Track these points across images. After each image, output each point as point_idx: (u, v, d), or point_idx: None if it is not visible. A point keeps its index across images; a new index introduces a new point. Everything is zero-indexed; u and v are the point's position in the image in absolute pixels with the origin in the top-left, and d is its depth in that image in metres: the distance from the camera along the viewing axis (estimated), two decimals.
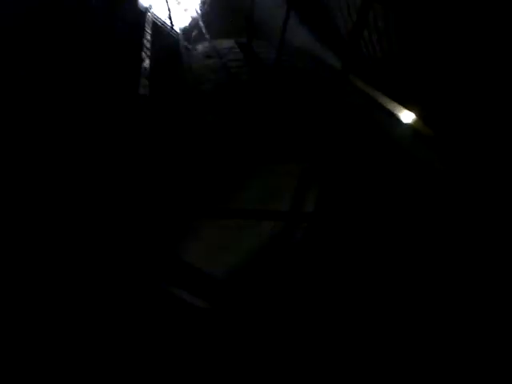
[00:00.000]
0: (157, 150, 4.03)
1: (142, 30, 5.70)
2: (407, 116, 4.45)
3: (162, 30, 6.22)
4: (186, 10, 7.34)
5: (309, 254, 2.87)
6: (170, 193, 3.42)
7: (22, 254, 2.60)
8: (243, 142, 4.21)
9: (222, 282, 2.74)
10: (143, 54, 5.59)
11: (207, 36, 6.57)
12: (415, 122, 4.34)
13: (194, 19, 7.11)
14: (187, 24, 7.07)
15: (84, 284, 2.52)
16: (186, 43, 6.52)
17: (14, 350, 2.12)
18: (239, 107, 4.93)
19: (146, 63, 5.55)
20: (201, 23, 6.86)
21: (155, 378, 2.06)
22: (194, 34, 6.84)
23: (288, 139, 4.32)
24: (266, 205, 3.38)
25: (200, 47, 6.43)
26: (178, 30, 6.73)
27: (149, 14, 6.08)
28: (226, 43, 6.21)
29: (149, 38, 5.77)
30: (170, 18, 6.36)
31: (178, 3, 7.38)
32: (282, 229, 3.12)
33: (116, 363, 2.10)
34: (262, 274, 2.79)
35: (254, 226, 3.17)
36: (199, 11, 7.22)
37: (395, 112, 4.50)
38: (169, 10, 6.05)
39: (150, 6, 6.42)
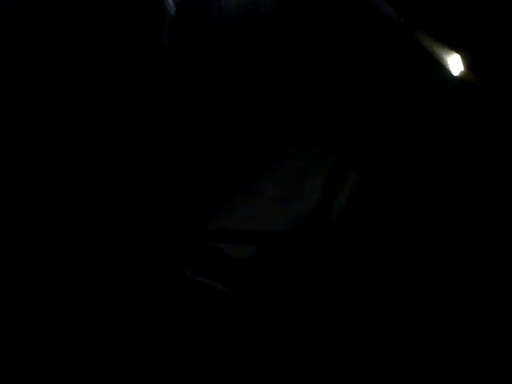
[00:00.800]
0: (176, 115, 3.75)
1: None
2: (455, 61, 3.69)
3: None
4: None
5: (336, 252, 2.65)
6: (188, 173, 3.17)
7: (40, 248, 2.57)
8: (264, 114, 3.67)
9: (244, 266, 2.61)
10: None
11: None
12: (464, 71, 3.64)
13: None
14: None
15: (99, 269, 2.53)
16: None
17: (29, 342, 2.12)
18: (266, 56, 4.46)
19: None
20: None
21: (172, 364, 2.09)
22: None
23: (321, 114, 3.71)
24: (291, 190, 3.02)
25: None
26: None
27: None
28: None
29: None
30: None
31: None
32: (310, 215, 2.85)
33: (132, 350, 2.12)
34: (286, 262, 2.63)
35: (281, 209, 2.92)
36: None
37: (444, 59, 3.79)
38: None
39: None
